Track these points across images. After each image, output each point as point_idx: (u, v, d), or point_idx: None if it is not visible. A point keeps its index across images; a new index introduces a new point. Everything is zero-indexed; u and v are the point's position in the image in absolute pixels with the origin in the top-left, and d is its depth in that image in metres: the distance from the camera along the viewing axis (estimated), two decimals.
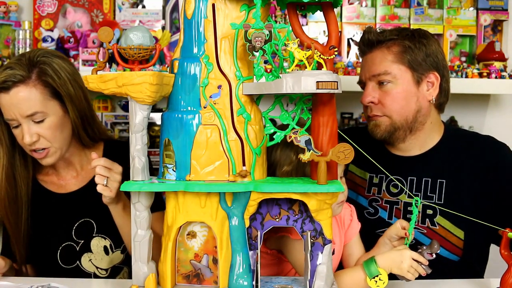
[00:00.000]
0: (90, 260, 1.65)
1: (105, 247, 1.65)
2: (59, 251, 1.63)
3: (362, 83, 1.71)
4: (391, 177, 1.49)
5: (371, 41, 1.66)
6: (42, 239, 1.63)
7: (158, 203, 1.34)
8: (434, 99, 1.65)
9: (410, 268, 1.30)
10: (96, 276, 1.66)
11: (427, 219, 1.64)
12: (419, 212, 1.65)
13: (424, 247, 1.33)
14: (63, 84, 1.53)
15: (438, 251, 1.33)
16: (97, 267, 1.65)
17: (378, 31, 1.68)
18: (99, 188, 1.39)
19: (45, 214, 1.64)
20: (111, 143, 1.73)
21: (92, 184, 1.60)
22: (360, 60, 1.77)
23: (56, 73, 1.52)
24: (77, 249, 1.64)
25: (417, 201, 1.35)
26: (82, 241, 1.64)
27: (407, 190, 1.65)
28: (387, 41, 1.64)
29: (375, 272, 1.29)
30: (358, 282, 1.31)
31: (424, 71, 1.63)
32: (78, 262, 1.64)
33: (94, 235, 1.65)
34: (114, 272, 1.68)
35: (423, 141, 1.69)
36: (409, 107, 1.63)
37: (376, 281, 1.29)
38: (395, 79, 1.61)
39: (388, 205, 1.70)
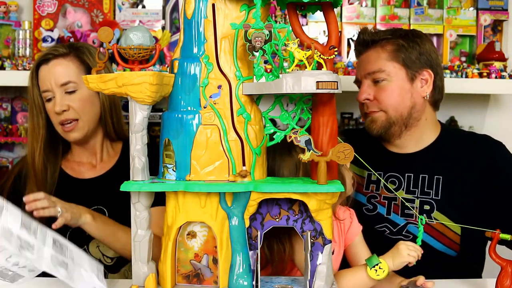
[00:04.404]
0: (97, 246, 1.68)
1: None
2: (68, 232, 1.64)
3: (358, 82, 1.76)
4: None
5: (366, 41, 1.71)
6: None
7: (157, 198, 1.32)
8: (428, 96, 1.69)
9: (408, 251, 1.33)
10: (101, 264, 1.67)
11: (424, 215, 1.66)
12: (416, 207, 1.68)
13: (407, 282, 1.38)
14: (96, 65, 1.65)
15: None
16: (103, 254, 1.68)
17: (373, 31, 1.73)
18: (61, 219, 1.43)
19: (61, 196, 1.65)
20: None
21: (107, 175, 1.73)
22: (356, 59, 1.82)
23: (92, 55, 1.68)
24: (87, 233, 1.65)
25: (422, 219, 1.37)
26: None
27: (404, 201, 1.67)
28: (381, 41, 1.69)
29: (375, 261, 1.31)
30: (363, 279, 1.33)
31: (418, 69, 1.68)
32: (86, 246, 1.67)
33: None
34: (119, 263, 1.69)
35: (418, 138, 1.73)
36: (404, 103, 1.67)
37: (376, 270, 1.31)
38: (390, 77, 1.66)
39: (387, 201, 1.73)
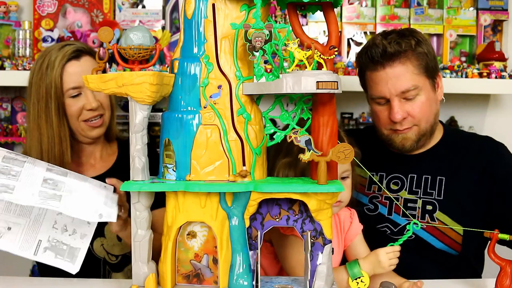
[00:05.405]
0: (102, 245, 1.68)
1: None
2: None
3: (383, 99, 1.65)
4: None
5: (393, 54, 1.60)
6: None
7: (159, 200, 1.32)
8: (444, 98, 1.70)
9: (389, 261, 1.35)
10: (106, 262, 1.69)
11: (426, 215, 1.67)
12: (418, 208, 1.68)
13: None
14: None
15: None
16: (108, 253, 1.68)
17: (395, 42, 1.61)
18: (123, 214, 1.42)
19: None
20: (124, 142, 1.77)
21: (107, 174, 1.69)
22: (355, 71, 1.76)
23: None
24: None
25: (415, 223, 1.36)
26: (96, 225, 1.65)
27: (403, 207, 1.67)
28: (406, 52, 1.60)
29: (358, 274, 1.32)
30: (340, 281, 1.34)
31: (435, 74, 1.66)
32: (90, 245, 1.65)
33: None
34: (124, 261, 1.70)
35: (427, 141, 1.73)
36: (432, 112, 1.67)
37: (357, 283, 1.31)
38: (421, 91, 1.62)
39: (388, 201, 1.73)
